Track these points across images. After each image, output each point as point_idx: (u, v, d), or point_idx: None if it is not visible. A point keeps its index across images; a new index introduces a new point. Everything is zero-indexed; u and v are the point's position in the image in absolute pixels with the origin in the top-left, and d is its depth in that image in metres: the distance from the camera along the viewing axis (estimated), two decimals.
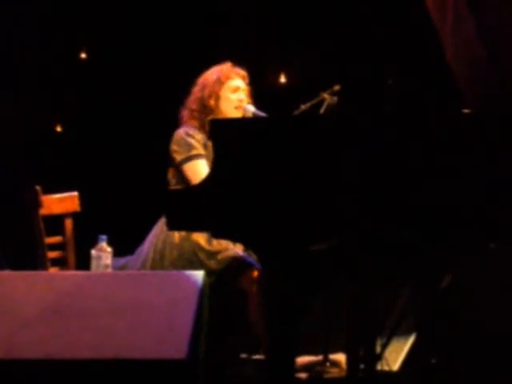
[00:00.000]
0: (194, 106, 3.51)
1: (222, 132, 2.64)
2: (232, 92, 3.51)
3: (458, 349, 3.06)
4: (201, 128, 3.47)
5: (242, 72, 3.57)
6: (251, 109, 3.52)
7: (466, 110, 2.63)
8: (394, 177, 2.53)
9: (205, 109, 3.49)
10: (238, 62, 3.62)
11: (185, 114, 3.54)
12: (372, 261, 2.77)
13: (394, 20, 4.29)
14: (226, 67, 3.55)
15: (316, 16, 4.61)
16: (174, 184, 3.47)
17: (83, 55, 5.01)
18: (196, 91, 3.54)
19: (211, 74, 3.55)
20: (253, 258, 3.34)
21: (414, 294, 2.91)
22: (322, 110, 3.40)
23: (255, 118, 3.46)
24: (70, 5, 4.87)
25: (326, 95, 3.43)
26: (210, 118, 3.41)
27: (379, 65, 4.20)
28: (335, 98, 3.42)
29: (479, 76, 2.70)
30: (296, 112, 3.43)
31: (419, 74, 3.91)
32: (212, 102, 3.49)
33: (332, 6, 4.57)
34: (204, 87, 3.51)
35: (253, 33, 4.66)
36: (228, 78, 3.52)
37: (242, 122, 2.96)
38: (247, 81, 3.57)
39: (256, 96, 3.59)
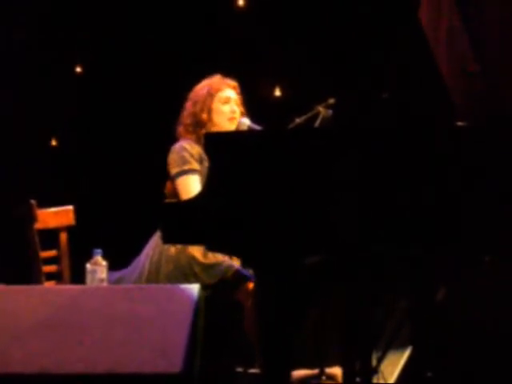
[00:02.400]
0: (187, 121, 3.53)
1: (217, 145, 2.64)
2: (223, 104, 3.52)
3: (454, 362, 3.06)
4: (197, 141, 3.48)
5: (233, 82, 3.58)
6: (246, 122, 3.53)
7: (460, 123, 2.64)
8: (389, 190, 2.54)
9: (198, 123, 3.50)
10: (233, 75, 3.63)
11: (180, 129, 3.55)
12: (367, 274, 2.77)
13: (388, 35, 4.31)
14: (215, 79, 3.56)
15: (311, 29, 4.63)
16: (171, 197, 3.47)
17: (78, 69, 5.02)
18: (188, 106, 3.55)
19: (201, 87, 3.56)
20: (248, 271, 3.34)
21: (410, 307, 2.91)
22: (316, 124, 3.41)
23: (250, 131, 3.47)
24: (66, 19, 4.88)
25: (320, 108, 3.43)
26: (205, 131, 3.43)
27: (374, 78, 4.21)
28: (330, 112, 3.43)
29: (473, 90, 2.71)
30: (291, 125, 3.44)
31: (414, 88, 3.92)
32: (204, 116, 3.50)
33: (327, 20, 4.58)
34: (196, 102, 3.52)
35: (248, 46, 4.68)
36: (218, 89, 3.53)
37: (237, 136, 2.96)
38: (238, 90, 3.58)
39: (251, 109, 3.60)
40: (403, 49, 3.96)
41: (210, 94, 3.51)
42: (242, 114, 3.55)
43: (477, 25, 2.68)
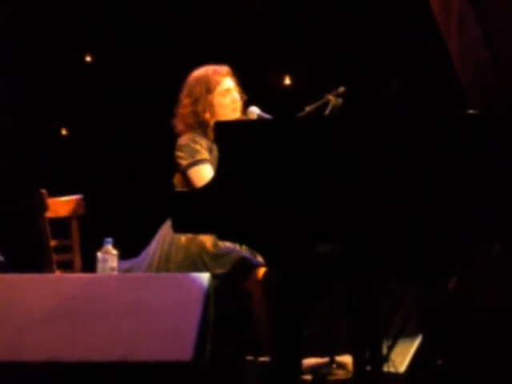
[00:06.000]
0: (190, 121, 3.48)
1: (227, 134, 2.64)
2: (224, 96, 3.47)
3: (465, 350, 3.06)
4: (203, 135, 3.47)
5: (226, 69, 3.52)
6: (256, 111, 3.52)
7: (471, 111, 2.63)
8: (400, 180, 2.53)
9: (202, 123, 3.47)
10: (242, 63, 3.62)
11: (181, 127, 3.51)
12: (377, 263, 2.76)
13: (399, 23, 4.30)
14: (210, 72, 3.49)
15: (321, 18, 4.61)
16: (179, 189, 3.46)
17: (88, 58, 5.02)
18: (187, 104, 3.48)
19: (197, 81, 3.48)
20: (257, 260, 3.34)
21: (420, 295, 2.91)
22: (327, 112, 3.40)
23: (260, 119, 3.46)
24: (76, 8, 4.88)
25: (330, 97, 3.43)
26: (210, 128, 3.40)
27: (384, 67, 4.20)
28: (340, 100, 3.42)
29: (484, 78, 2.70)
30: (301, 114, 3.43)
31: (424, 76, 3.90)
32: (208, 116, 3.46)
33: (337, 8, 4.57)
34: (196, 100, 3.46)
35: (257, 34, 4.67)
36: (217, 83, 3.47)
37: (247, 124, 2.96)
38: (231, 73, 3.52)
39: (261, 98, 3.59)
40: (414, 38, 3.93)
41: (210, 91, 3.46)
42: (240, 93, 3.52)
43: (487, 13, 2.67)
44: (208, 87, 3.47)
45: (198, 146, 3.43)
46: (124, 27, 4.87)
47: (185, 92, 3.52)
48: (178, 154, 3.46)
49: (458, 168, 2.52)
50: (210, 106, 3.47)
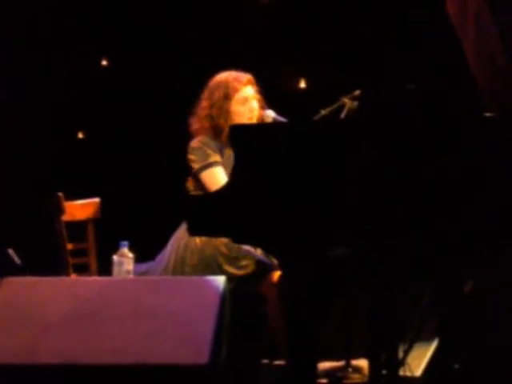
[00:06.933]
0: (206, 124, 3.48)
1: (243, 137, 2.64)
2: (241, 104, 3.46)
3: (481, 354, 3.04)
4: (214, 138, 3.47)
5: (247, 77, 3.50)
6: (271, 114, 3.51)
7: (488, 115, 2.62)
8: (415, 182, 2.52)
9: (217, 127, 3.47)
10: (258, 67, 3.61)
11: (197, 128, 3.51)
12: (393, 266, 2.76)
13: (415, 26, 4.29)
14: (231, 78, 3.47)
15: (336, 21, 4.61)
16: (193, 192, 3.47)
17: (104, 62, 5.04)
18: (205, 106, 3.48)
19: (217, 86, 3.48)
20: (272, 262, 3.34)
21: (436, 298, 2.90)
22: (342, 115, 3.39)
23: (275, 123, 3.46)
24: (92, 11, 4.90)
25: (346, 100, 3.42)
26: (224, 134, 3.40)
27: (400, 70, 4.19)
28: (356, 103, 3.42)
29: (501, 82, 2.69)
30: (316, 117, 3.43)
31: (441, 80, 3.89)
32: (222, 122, 3.45)
33: (353, 12, 4.56)
34: (213, 104, 3.46)
35: (273, 37, 4.67)
36: (236, 90, 3.46)
37: (262, 128, 2.96)
38: (253, 81, 3.50)
39: (276, 101, 3.59)
40: (430, 40, 3.92)
41: (228, 97, 3.44)
42: (260, 102, 3.52)
43: (504, 15, 2.66)
44: (226, 93, 3.46)
45: (209, 149, 3.44)
46: (140, 30, 4.89)
47: (205, 94, 3.52)
48: (190, 157, 3.46)
49: (478, 171, 2.50)
50: (226, 113, 3.46)
